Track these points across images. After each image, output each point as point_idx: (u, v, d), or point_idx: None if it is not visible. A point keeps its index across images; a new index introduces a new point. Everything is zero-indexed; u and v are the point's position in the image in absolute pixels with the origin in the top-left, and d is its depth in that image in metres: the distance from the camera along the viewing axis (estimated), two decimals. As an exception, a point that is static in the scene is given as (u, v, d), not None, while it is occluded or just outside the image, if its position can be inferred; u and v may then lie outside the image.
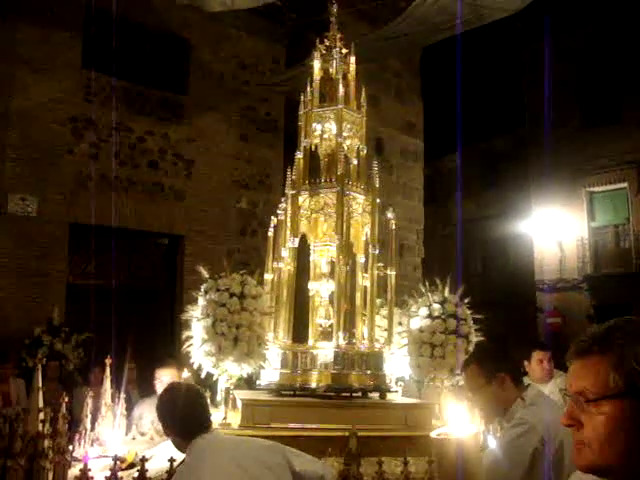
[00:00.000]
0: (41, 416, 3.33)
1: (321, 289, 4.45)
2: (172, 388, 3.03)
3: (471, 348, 4.17)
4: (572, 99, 16.33)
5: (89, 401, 4.30)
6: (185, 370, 5.12)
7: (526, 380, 3.50)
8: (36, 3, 9.17)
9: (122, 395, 4.43)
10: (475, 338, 4.28)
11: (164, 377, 4.84)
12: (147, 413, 4.83)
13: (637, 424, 1.16)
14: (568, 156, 15.83)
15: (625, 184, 15.85)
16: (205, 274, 3.84)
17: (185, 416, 2.74)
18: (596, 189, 16.45)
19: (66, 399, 3.92)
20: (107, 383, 4.47)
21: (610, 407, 1.18)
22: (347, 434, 3.04)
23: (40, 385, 3.44)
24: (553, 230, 16.25)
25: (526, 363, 5.06)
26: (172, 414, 2.79)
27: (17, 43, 9.05)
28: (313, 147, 4.53)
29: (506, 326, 14.53)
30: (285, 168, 4.70)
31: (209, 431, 2.76)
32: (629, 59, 15.23)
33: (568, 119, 16.08)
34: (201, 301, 3.83)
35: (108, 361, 4.53)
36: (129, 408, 4.84)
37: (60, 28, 9.35)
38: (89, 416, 4.23)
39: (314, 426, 3.87)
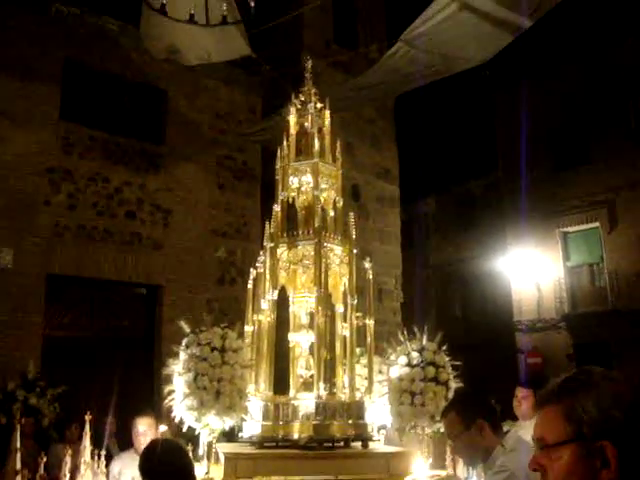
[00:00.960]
0: (19, 478, 3.28)
1: (301, 340, 4.47)
2: (153, 444, 3.01)
3: (450, 395, 4.20)
4: (543, 143, 16.76)
5: (67, 459, 4.22)
6: (162, 425, 5.07)
7: (505, 426, 3.53)
8: (15, 56, 9.28)
9: (102, 452, 4.36)
10: (454, 384, 4.31)
11: (140, 427, 4.77)
12: (126, 469, 4.74)
13: (587, 468, 1.26)
14: (541, 198, 16.17)
15: (597, 223, 16.17)
16: (186, 328, 3.85)
17: (166, 473, 2.73)
18: (570, 229, 16.76)
19: (44, 458, 3.86)
20: (87, 440, 4.38)
21: (564, 453, 1.29)
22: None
23: (18, 446, 3.40)
24: (530, 270, 16.45)
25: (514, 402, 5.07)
26: (153, 471, 2.77)
27: (-6, 96, 9.12)
28: (290, 200, 4.62)
29: (487, 367, 14.58)
30: (263, 216, 4.77)
31: None
32: (595, 103, 15.74)
33: (540, 162, 16.46)
34: (182, 355, 3.83)
35: (88, 417, 4.45)
36: (109, 464, 4.75)
37: (38, 80, 9.46)
38: (67, 475, 4.15)
39: (298, 478, 3.86)
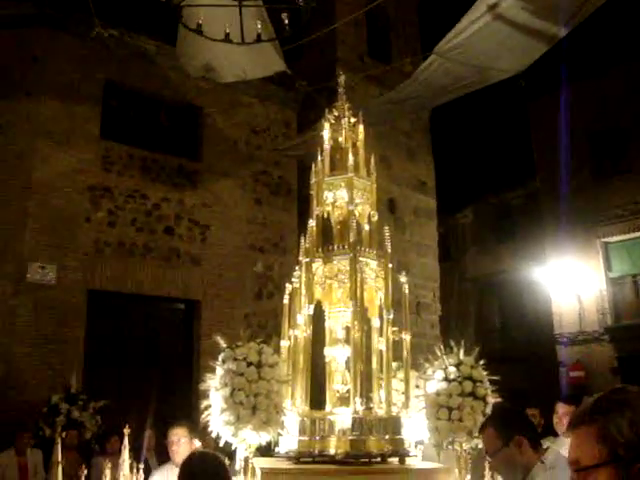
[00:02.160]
0: (61, 490, 3.35)
1: (337, 355, 4.47)
2: (194, 456, 3.02)
3: (488, 410, 4.14)
4: (582, 150, 16.48)
5: (107, 472, 4.28)
6: (196, 440, 5.10)
7: (546, 442, 3.47)
8: (58, 78, 9.57)
9: (141, 465, 4.41)
10: (492, 399, 4.25)
11: (171, 436, 4.81)
12: None
13: None
14: (581, 207, 15.88)
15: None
16: (222, 343, 3.89)
17: None
18: (611, 239, 16.41)
19: (85, 471, 3.93)
20: (125, 453, 4.44)
21: (599, 476, 1.27)
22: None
23: (60, 459, 3.47)
24: (570, 282, 16.15)
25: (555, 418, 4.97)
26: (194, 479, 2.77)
27: (40, 116, 9.41)
28: (325, 214, 4.63)
29: (527, 381, 14.33)
30: (299, 230, 4.79)
31: None
32: (636, 108, 15.43)
33: (579, 170, 16.19)
34: (219, 370, 3.86)
35: (127, 430, 4.51)
36: (147, 477, 4.80)
37: (80, 101, 9.72)
38: (108, 487, 4.21)
39: (334, 494, 3.84)
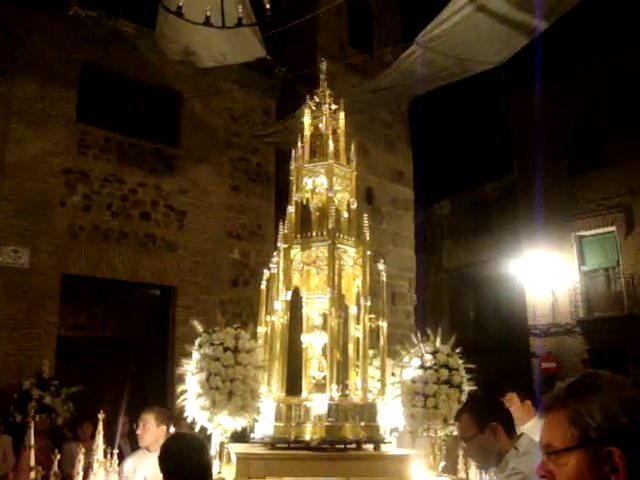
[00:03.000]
0: (32, 475, 3.31)
1: (314, 341, 4.48)
2: (176, 437, 3.00)
3: (464, 397, 4.18)
4: (558, 145, 16.66)
5: (81, 458, 4.24)
6: (168, 425, 5.07)
7: (519, 429, 3.51)
8: (34, 59, 9.38)
9: (115, 450, 4.38)
10: (467, 387, 4.30)
11: (140, 422, 4.78)
12: (139, 466, 4.76)
13: (594, 472, 1.25)
14: (556, 201, 16.07)
15: (613, 227, 16.05)
16: (199, 328, 3.87)
17: (188, 467, 2.70)
18: (585, 233, 16.64)
19: (58, 456, 3.89)
20: (99, 439, 4.41)
21: (571, 459, 1.28)
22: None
23: (32, 443, 3.43)
24: (544, 275, 16.35)
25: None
26: (175, 463, 2.74)
27: (13, 97, 9.22)
28: (304, 201, 4.63)
29: (500, 372, 14.48)
30: (277, 218, 4.77)
31: None
32: (612, 104, 15.62)
33: (555, 164, 16.36)
34: (195, 355, 3.85)
35: (101, 416, 4.47)
36: (121, 463, 4.77)
37: (56, 83, 9.54)
38: (81, 473, 4.18)
39: (309, 479, 3.85)
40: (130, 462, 4.87)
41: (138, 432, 4.66)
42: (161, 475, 4.11)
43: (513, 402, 4.77)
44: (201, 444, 2.87)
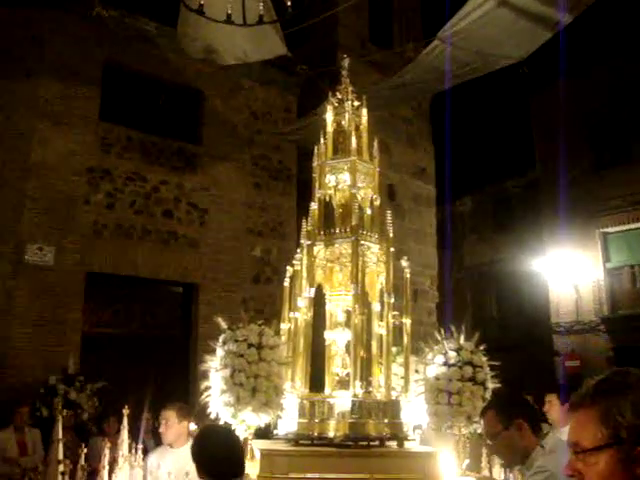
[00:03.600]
0: (61, 468, 3.36)
1: (337, 338, 4.48)
2: (212, 428, 3.00)
3: (488, 395, 4.15)
4: (582, 141, 16.43)
5: (106, 452, 4.29)
6: (191, 422, 5.10)
7: (545, 427, 3.48)
8: (58, 59, 9.49)
9: (139, 446, 4.42)
10: (492, 385, 4.27)
11: (162, 419, 4.82)
12: (162, 461, 4.80)
13: (626, 472, 1.23)
14: (580, 197, 15.85)
15: (639, 224, 15.80)
16: (223, 325, 3.88)
17: (221, 459, 2.69)
18: (610, 229, 16.39)
19: (85, 450, 3.93)
20: (124, 434, 4.45)
21: (600, 458, 1.25)
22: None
23: (60, 437, 3.47)
24: (568, 272, 16.16)
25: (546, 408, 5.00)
26: (208, 454, 2.73)
27: (39, 97, 9.33)
28: (327, 198, 4.62)
29: (523, 370, 14.37)
30: (298, 215, 4.78)
31: (242, 478, 2.71)
32: (637, 98, 15.38)
33: (578, 160, 16.14)
34: (219, 352, 3.86)
35: (125, 411, 4.52)
36: (145, 458, 4.81)
37: (79, 83, 9.64)
38: (106, 467, 4.22)
39: (332, 476, 3.86)
40: (153, 458, 4.91)
41: (161, 430, 4.70)
42: (185, 470, 4.15)
43: (553, 404, 4.73)
44: (235, 436, 2.86)
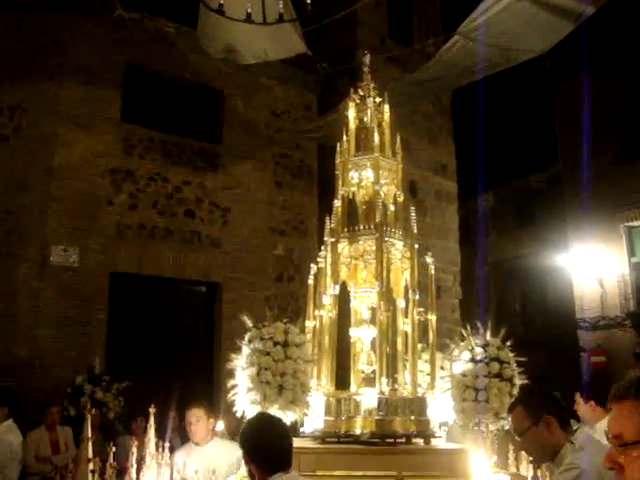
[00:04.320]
0: (91, 466, 3.39)
1: (362, 335, 4.47)
2: (266, 416, 2.99)
3: (515, 391, 4.12)
4: (606, 133, 16.20)
5: (134, 450, 4.32)
6: (218, 420, 5.13)
7: (574, 424, 3.44)
8: (79, 62, 9.59)
9: (167, 444, 4.45)
10: (519, 381, 4.23)
11: (192, 417, 4.84)
12: (189, 459, 4.83)
13: None
14: (604, 191, 15.64)
15: (664, 217, 15.57)
16: (249, 323, 3.89)
17: (273, 448, 2.66)
18: (635, 223, 16.17)
19: (113, 449, 3.97)
20: (151, 432, 4.48)
21: None
22: (394, 481, 3.01)
23: (90, 435, 3.50)
24: (592, 267, 15.97)
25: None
26: (261, 443, 2.68)
27: (61, 100, 9.44)
28: (350, 195, 4.62)
29: (548, 366, 14.24)
30: (320, 213, 4.78)
31: (289, 471, 2.68)
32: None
33: (603, 154, 15.94)
34: (245, 350, 3.88)
35: (152, 410, 4.55)
36: (172, 456, 4.85)
37: (101, 85, 9.73)
38: (134, 465, 4.26)
39: (359, 473, 3.85)
40: (179, 456, 4.96)
41: (192, 428, 4.73)
42: (212, 467, 4.17)
43: (578, 402, 4.69)
44: (284, 426, 2.84)
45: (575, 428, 3.05)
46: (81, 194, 9.37)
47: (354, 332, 4.53)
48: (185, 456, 4.96)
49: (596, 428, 4.39)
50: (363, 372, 4.42)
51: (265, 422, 2.83)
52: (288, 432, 2.81)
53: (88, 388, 8.14)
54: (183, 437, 7.42)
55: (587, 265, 15.98)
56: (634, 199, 15.60)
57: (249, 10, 5.55)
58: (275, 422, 2.85)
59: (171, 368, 9.55)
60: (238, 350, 4.05)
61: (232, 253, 10.59)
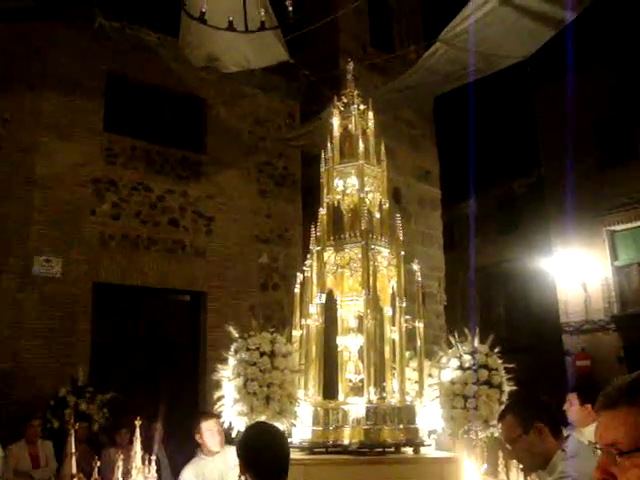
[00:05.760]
0: (75, 482, 3.32)
1: (350, 344, 4.44)
2: (263, 425, 2.93)
3: (504, 398, 4.11)
4: (588, 139, 16.36)
5: (120, 463, 4.25)
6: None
7: (579, 432, 3.43)
8: (60, 71, 9.51)
9: (153, 457, 4.38)
10: (508, 387, 4.22)
11: (215, 426, 4.74)
12: (205, 474, 4.72)
13: None
14: (586, 196, 15.77)
15: (646, 221, 15.72)
16: (235, 333, 3.85)
17: (269, 458, 2.59)
18: (617, 227, 16.32)
19: (98, 463, 3.90)
20: (137, 445, 4.41)
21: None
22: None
23: (74, 450, 3.43)
24: (576, 271, 16.08)
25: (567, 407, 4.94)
26: (257, 451, 2.60)
27: (43, 110, 9.34)
28: (336, 203, 4.60)
29: (533, 371, 14.28)
30: (304, 221, 4.75)
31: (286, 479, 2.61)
32: (641, 96, 15.32)
33: (585, 159, 16.08)
34: (231, 360, 3.83)
35: (138, 422, 4.47)
36: (158, 469, 4.76)
37: (83, 94, 9.66)
38: (120, 479, 4.18)
39: (348, 484, 3.82)
40: (190, 470, 4.83)
41: (217, 437, 4.64)
42: (223, 476, 4.09)
43: (573, 404, 4.67)
44: (281, 434, 2.78)
45: (566, 435, 3.04)
46: (64, 204, 9.28)
47: (341, 341, 4.49)
48: (195, 469, 4.81)
49: (583, 432, 4.38)
50: (351, 381, 4.38)
51: (262, 431, 2.76)
52: (285, 441, 2.75)
53: (72, 400, 8.02)
54: (168, 450, 7.36)
55: (571, 269, 16.09)
56: (616, 203, 15.76)
57: (231, 18, 5.53)
58: (272, 431, 2.78)
59: (155, 379, 9.45)
60: (223, 360, 4.00)
61: (216, 262, 10.53)
